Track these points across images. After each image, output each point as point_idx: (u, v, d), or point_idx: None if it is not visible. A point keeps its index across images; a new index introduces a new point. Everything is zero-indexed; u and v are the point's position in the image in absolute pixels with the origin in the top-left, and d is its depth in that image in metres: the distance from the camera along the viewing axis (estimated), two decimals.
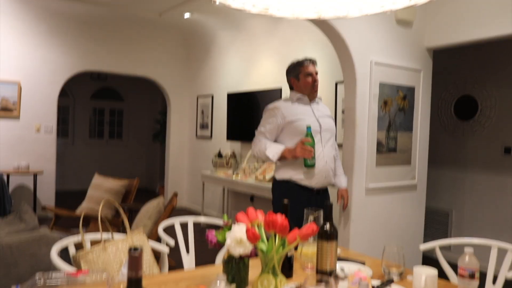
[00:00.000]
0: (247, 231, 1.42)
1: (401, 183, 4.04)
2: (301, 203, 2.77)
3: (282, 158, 2.92)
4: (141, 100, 10.78)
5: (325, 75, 5.26)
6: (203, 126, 7.79)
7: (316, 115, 3.02)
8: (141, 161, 10.86)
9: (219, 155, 6.74)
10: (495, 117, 4.91)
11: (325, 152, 2.97)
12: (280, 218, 1.47)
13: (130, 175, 9.79)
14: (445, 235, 5.24)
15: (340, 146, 4.21)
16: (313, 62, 3.07)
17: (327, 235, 1.78)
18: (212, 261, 2.49)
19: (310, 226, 1.51)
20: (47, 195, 6.84)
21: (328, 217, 1.82)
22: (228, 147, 7.02)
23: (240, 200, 6.77)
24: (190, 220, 2.69)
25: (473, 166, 5.12)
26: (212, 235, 1.55)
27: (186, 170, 8.28)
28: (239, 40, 6.95)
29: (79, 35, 7.07)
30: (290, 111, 2.99)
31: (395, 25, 3.99)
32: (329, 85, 5.25)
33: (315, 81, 3.03)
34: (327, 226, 1.80)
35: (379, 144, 3.84)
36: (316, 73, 3.06)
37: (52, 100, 6.85)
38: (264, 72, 6.37)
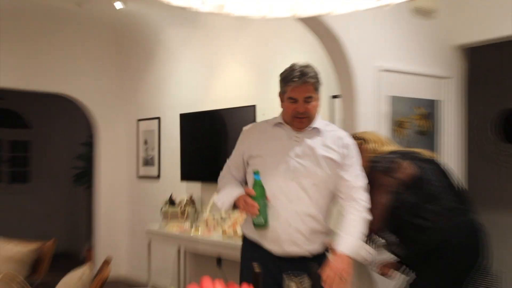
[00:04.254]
0: None
1: None
2: (271, 274, 2.79)
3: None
4: (56, 127, 10.66)
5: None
6: (148, 161, 7.76)
7: (294, 152, 2.93)
8: (58, 213, 10.67)
9: (171, 202, 6.70)
10: None
11: (289, 210, 2.89)
12: None
13: (43, 234, 9.62)
14: None
15: None
16: (305, 80, 2.85)
17: None
18: None
19: None
20: None
21: (317, 285, 1.84)
22: (184, 190, 6.99)
23: (202, 264, 6.71)
24: None
25: None
26: None
27: (125, 224, 8.19)
28: (195, 40, 7.00)
29: None
30: (259, 139, 3.02)
31: (411, 17, 4.09)
32: (324, 100, 5.32)
33: (298, 112, 2.89)
34: None
35: None
36: (308, 99, 2.88)
37: None
38: (231, 84, 6.41)
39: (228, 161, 3.12)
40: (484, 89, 5.46)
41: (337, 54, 3.77)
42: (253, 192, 2.81)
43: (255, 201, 2.81)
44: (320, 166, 2.89)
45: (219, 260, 6.38)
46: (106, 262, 3.84)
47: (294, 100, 2.88)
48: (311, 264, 1.90)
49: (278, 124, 3.00)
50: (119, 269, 8.01)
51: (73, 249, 10.29)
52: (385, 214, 3.02)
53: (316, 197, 2.91)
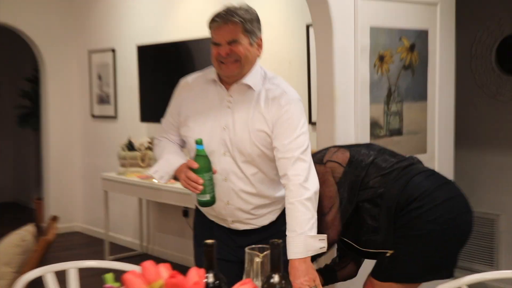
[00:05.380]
0: None
1: None
2: (227, 247, 2.82)
3: None
4: None
5: (291, 16, 5.31)
6: (103, 99, 7.72)
7: (226, 122, 2.73)
8: (2, 159, 10.69)
9: (130, 146, 6.70)
10: None
11: (225, 188, 2.74)
12: (192, 278, 1.50)
13: None
14: (490, 251, 5.41)
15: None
16: (229, 19, 2.63)
17: None
18: None
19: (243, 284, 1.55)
20: None
21: (276, 264, 1.84)
22: (144, 132, 6.99)
23: (167, 216, 6.78)
24: (71, 268, 2.69)
25: None
26: None
27: (79, 171, 8.24)
28: None
29: None
30: (192, 98, 2.83)
31: None
32: (297, 29, 5.28)
33: (220, 56, 2.65)
34: (276, 278, 1.83)
35: (374, 124, 3.91)
36: (233, 43, 2.63)
37: None
38: (193, 13, 6.32)
39: (163, 119, 2.94)
40: (481, 15, 5.43)
41: None
42: (195, 165, 2.60)
43: (198, 176, 2.60)
44: (251, 141, 2.69)
45: (185, 211, 6.43)
46: (52, 221, 3.80)
47: (217, 45, 2.66)
48: (272, 241, 1.86)
49: (211, 81, 2.79)
50: (74, 222, 8.11)
51: (21, 198, 10.32)
52: (339, 210, 2.89)
53: (253, 173, 2.74)
